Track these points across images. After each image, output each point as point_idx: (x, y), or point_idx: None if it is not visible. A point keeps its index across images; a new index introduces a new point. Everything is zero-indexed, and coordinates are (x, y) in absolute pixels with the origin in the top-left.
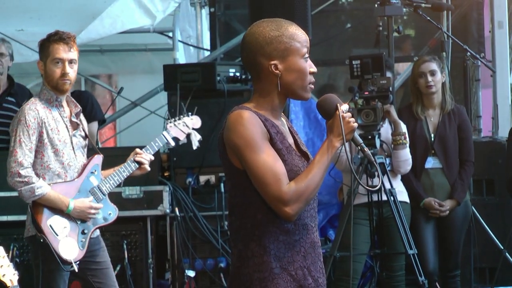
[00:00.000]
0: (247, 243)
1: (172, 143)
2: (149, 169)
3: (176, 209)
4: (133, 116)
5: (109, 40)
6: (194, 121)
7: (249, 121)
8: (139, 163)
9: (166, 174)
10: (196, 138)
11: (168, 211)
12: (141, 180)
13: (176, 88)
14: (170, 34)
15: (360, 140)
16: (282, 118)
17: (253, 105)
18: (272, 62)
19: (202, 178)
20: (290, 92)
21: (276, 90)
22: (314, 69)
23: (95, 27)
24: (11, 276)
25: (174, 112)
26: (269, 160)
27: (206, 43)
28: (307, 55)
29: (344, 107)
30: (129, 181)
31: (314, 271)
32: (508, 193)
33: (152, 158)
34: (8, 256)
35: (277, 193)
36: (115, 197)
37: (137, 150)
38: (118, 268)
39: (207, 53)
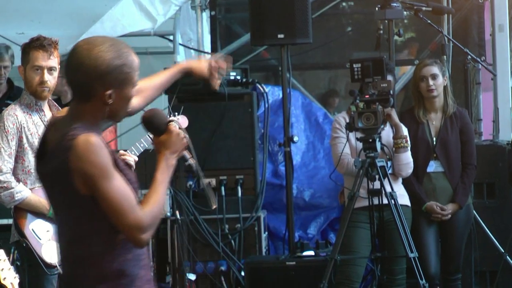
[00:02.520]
0: (98, 270)
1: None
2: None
3: (177, 212)
4: (134, 119)
5: None
6: (181, 120)
7: (98, 147)
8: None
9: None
10: None
11: (168, 214)
12: (141, 183)
13: (176, 91)
14: (171, 37)
15: (188, 156)
16: None
17: (87, 126)
18: (108, 92)
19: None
20: (113, 117)
21: (101, 115)
22: (135, 93)
23: (96, 30)
24: (11, 279)
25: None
26: (121, 187)
27: (207, 46)
28: (136, 83)
29: (176, 121)
30: None
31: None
32: (509, 196)
33: (136, 159)
34: (9, 259)
35: (135, 222)
36: None
37: (121, 151)
38: None
39: (208, 56)
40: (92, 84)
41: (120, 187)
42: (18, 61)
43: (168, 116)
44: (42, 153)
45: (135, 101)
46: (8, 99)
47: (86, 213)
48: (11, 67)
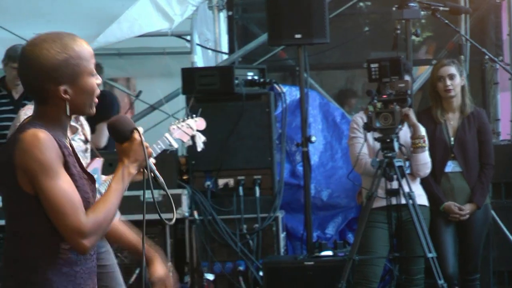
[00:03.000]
0: (28, 275)
1: (175, 145)
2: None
3: (195, 213)
4: (151, 119)
5: (127, 44)
6: (199, 122)
7: (45, 143)
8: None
9: (184, 177)
10: (200, 140)
11: (186, 214)
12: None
13: (194, 91)
14: (188, 38)
15: (153, 168)
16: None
17: (43, 123)
18: (62, 88)
19: (221, 182)
20: (77, 112)
21: (62, 112)
22: (99, 80)
23: (112, 30)
24: None
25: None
26: (66, 188)
27: (224, 47)
28: (94, 71)
29: (141, 130)
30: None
31: None
32: None
33: (154, 161)
34: None
35: (76, 225)
36: (133, 201)
37: None
38: (137, 272)
39: (225, 57)
40: (43, 85)
41: (64, 188)
42: None
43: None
44: None
45: None
46: (25, 100)
47: (28, 212)
48: None
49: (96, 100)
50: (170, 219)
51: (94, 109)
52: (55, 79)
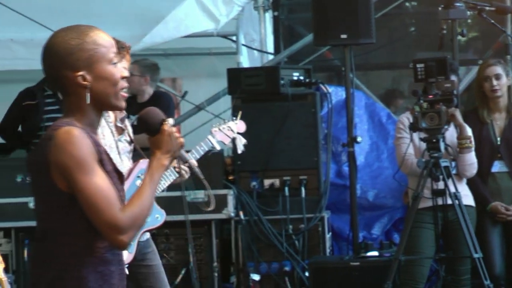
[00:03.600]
0: (59, 274)
1: (218, 147)
2: (187, 177)
3: (241, 213)
4: (197, 119)
5: (173, 44)
6: (239, 125)
7: (79, 140)
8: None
9: (230, 177)
10: (241, 143)
11: (232, 214)
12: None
13: (240, 92)
14: (234, 38)
15: (187, 157)
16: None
17: (73, 120)
18: (78, 74)
19: (267, 182)
20: (102, 103)
21: (86, 104)
22: (126, 73)
23: (159, 31)
24: None
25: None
26: (101, 184)
27: (270, 47)
28: (115, 60)
29: (170, 121)
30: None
31: None
32: None
33: (195, 164)
34: None
35: (112, 221)
36: (180, 201)
37: None
38: (183, 271)
39: (270, 57)
40: (61, 73)
41: (99, 184)
42: None
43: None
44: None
45: None
46: None
47: (61, 210)
48: None
49: (124, 93)
50: (211, 205)
51: (124, 103)
52: (70, 64)
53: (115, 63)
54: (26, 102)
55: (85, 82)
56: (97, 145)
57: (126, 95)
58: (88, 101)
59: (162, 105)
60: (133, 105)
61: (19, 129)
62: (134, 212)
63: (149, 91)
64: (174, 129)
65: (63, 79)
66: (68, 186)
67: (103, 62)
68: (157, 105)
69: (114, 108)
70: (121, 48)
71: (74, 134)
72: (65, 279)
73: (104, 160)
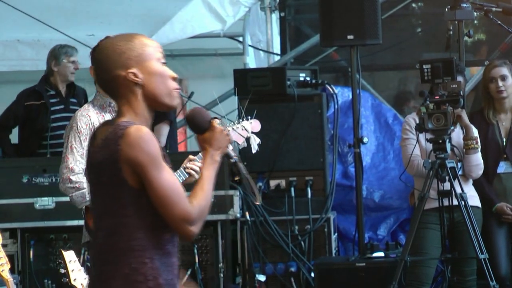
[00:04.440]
0: (136, 266)
1: (231, 147)
2: (197, 177)
3: (247, 214)
4: None
5: (179, 45)
6: (254, 124)
7: (149, 137)
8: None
9: (236, 178)
10: (255, 142)
11: (238, 215)
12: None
13: (247, 92)
14: (240, 39)
15: (233, 154)
16: None
17: (134, 120)
18: (130, 71)
19: (273, 183)
20: (154, 101)
21: (140, 102)
22: (174, 74)
23: (165, 32)
24: (82, 280)
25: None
26: (171, 179)
27: (276, 48)
28: (163, 60)
29: (217, 120)
30: None
31: None
32: None
33: (240, 160)
34: (79, 260)
35: (184, 213)
36: None
37: (190, 157)
38: (189, 272)
39: (277, 58)
40: (114, 73)
41: (169, 178)
42: (88, 63)
43: (243, 119)
44: (91, 145)
45: None
46: (72, 97)
47: (131, 205)
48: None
49: (176, 93)
50: (258, 199)
51: (176, 101)
52: (122, 63)
53: (164, 63)
54: (29, 102)
55: (137, 79)
56: (158, 143)
57: (178, 94)
58: (143, 98)
59: None
60: None
61: (18, 129)
62: (201, 205)
63: None
64: (222, 126)
65: (116, 79)
66: (138, 182)
67: (153, 60)
68: None
69: (167, 106)
70: None
71: (144, 131)
72: (140, 273)
73: (165, 156)
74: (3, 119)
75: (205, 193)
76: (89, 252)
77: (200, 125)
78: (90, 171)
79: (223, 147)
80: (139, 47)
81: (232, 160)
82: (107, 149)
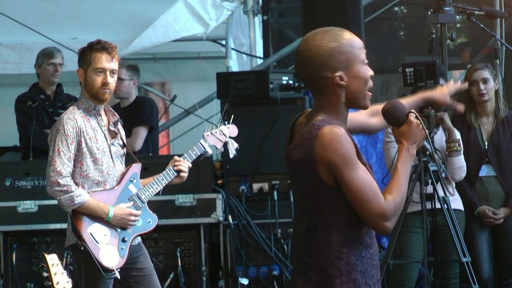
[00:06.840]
0: (332, 261)
1: (210, 152)
2: (186, 176)
3: (229, 217)
4: (186, 124)
5: (162, 48)
6: (231, 129)
7: (344, 137)
8: (178, 171)
9: (219, 181)
10: (233, 147)
11: (221, 219)
12: (194, 187)
13: (229, 96)
14: (223, 42)
15: (429, 147)
16: None
17: (331, 118)
18: (337, 74)
19: (256, 186)
20: (352, 102)
21: (341, 102)
22: (371, 72)
23: (148, 35)
24: (64, 283)
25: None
26: (365, 177)
27: (259, 51)
28: (366, 61)
29: (413, 113)
30: (183, 189)
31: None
32: None
33: (190, 165)
34: (62, 263)
35: (380, 209)
36: (169, 205)
37: (176, 157)
38: (171, 276)
39: (260, 61)
40: (320, 73)
41: (364, 176)
42: (70, 66)
43: (221, 123)
44: (289, 142)
45: (375, 121)
46: (59, 101)
47: (328, 203)
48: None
49: (370, 93)
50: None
51: (369, 103)
52: (331, 66)
53: (367, 63)
54: (28, 103)
55: (342, 82)
56: (353, 140)
57: (371, 94)
58: (344, 99)
59: (145, 110)
60: (116, 110)
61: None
62: (396, 201)
63: (133, 95)
64: (419, 120)
65: (323, 80)
66: (334, 181)
67: (358, 63)
68: (140, 110)
69: (361, 107)
70: (110, 48)
71: (338, 133)
72: (335, 267)
73: (360, 153)
74: (22, 121)
75: (400, 188)
76: (292, 239)
77: (397, 119)
78: (288, 167)
79: (418, 141)
80: (347, 49)
81: (428, 153)
82: (303, 148)
